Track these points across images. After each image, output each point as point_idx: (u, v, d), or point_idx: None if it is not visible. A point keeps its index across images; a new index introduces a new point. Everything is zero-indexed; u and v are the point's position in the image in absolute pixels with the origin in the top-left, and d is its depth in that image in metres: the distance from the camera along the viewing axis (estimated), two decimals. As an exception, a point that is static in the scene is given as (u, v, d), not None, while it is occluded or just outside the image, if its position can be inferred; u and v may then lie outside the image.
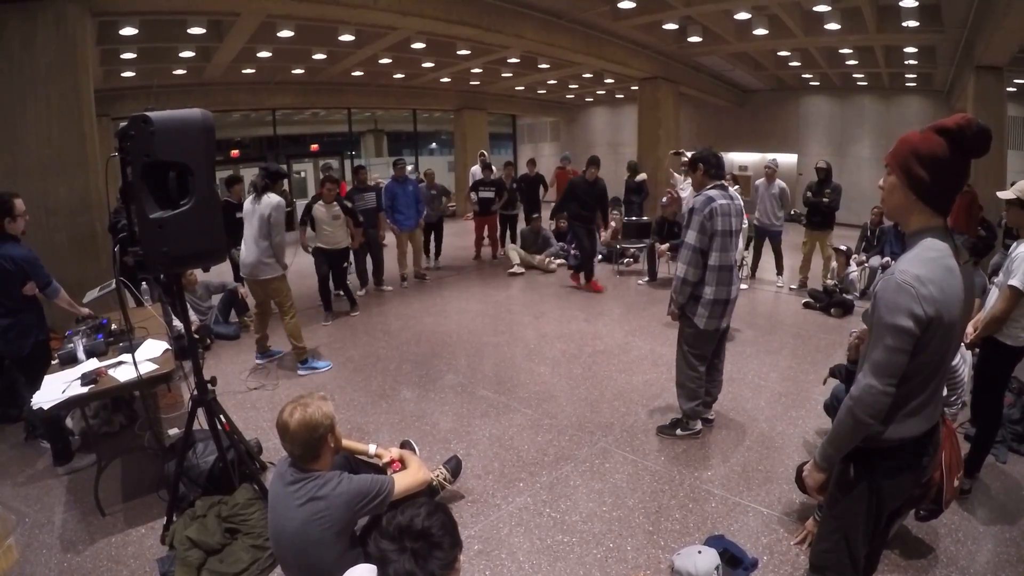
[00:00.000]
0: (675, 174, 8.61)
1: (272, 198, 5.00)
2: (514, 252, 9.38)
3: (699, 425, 4.00)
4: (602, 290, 8.01)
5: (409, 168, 8.55)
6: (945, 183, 1.61)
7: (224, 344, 6.07)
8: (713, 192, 3.64)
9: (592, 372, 5.19)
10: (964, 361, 3.30)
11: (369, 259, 8.07)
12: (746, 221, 5.38)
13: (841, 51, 11.10)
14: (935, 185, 1.61)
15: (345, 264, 7.27)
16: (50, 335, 4.11)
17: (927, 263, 1.58)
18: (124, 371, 3.24)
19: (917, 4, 7.72)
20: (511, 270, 9.08)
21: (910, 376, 1.64)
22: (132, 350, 3.11)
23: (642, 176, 9.93)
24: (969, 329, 3.10)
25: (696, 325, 3.71)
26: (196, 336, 4.14)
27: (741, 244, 4.25)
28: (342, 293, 7.31)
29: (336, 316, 7.04)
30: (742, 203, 4.02)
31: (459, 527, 1.52)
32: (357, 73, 12.93)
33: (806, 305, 7.12)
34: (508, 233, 10.41)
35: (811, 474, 1.89)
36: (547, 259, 9.42)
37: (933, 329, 1.58)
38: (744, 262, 7.88)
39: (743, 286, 5.18)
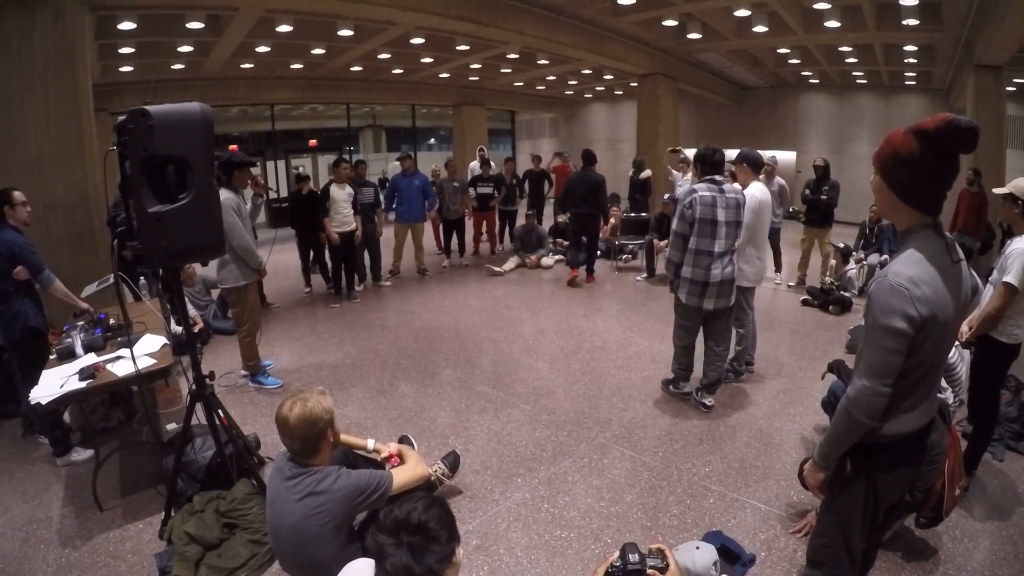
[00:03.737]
0: (673, 171, 8.61)
1: (223, 194, 3.92)
2: (511, 262, 9.21)
3: (687, 387, 4.53)
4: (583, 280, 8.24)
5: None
6: (926, 185, 1.61)
7: (222, 339, 6.06)
8: (699, 185, 4.07)
9: (590, 368, 5.19)
10: (962, 359, 3.31)
11: (367, 254, 8.08)
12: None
13: (841, 49, 11.07)
14: (915, 187, 1.61)
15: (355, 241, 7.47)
16: (49, 329, 4.11)
17: (919, 263, 1.58)
18: (122, 366, 3.24)
19: (917, 2, 7.70)
20: (496, 269, 8.95)
21: (906, 374, 1.65)
22: (130, 345, 3.11)
23: (647, 173, 9.91)
24: (964, 327, 3.11)
25: (680, 299, 4.23)
26: (195, 327, 4.14)
27: (744, 235, 4.34)
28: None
29: (339, 302, 7.41)
30: (742, 197, 4.20)
31: (457, 522, 1.52)
32: (356, 68, 12.89)
33: (804, 302, 7.12)
34: (507, 230, 10.40)
35: (811, 473, 1.91)
36: (541, 257, 9.38)
37: (928, 329, 1.58)
38: None
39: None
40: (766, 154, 7.95)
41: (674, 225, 4.12)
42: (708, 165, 4.13)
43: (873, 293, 1.64)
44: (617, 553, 1.66)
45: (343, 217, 7.05)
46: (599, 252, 9.80)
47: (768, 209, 4.62)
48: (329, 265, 7.60)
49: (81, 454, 3.78)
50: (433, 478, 3.08)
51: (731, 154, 4.81)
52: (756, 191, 4.52)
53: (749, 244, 4.52)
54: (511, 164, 10.92)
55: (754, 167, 4.64)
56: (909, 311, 1.55)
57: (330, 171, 7.21)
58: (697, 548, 2.40)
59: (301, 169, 17.20)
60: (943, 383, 2.92)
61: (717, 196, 4.01)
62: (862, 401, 1.65)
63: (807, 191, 7.64)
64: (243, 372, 4.99)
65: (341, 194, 7.01)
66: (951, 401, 3.12)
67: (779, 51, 11.85)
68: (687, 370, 4.51)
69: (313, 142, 18.39)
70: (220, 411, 3.05)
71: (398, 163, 8.46)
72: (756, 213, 4.47)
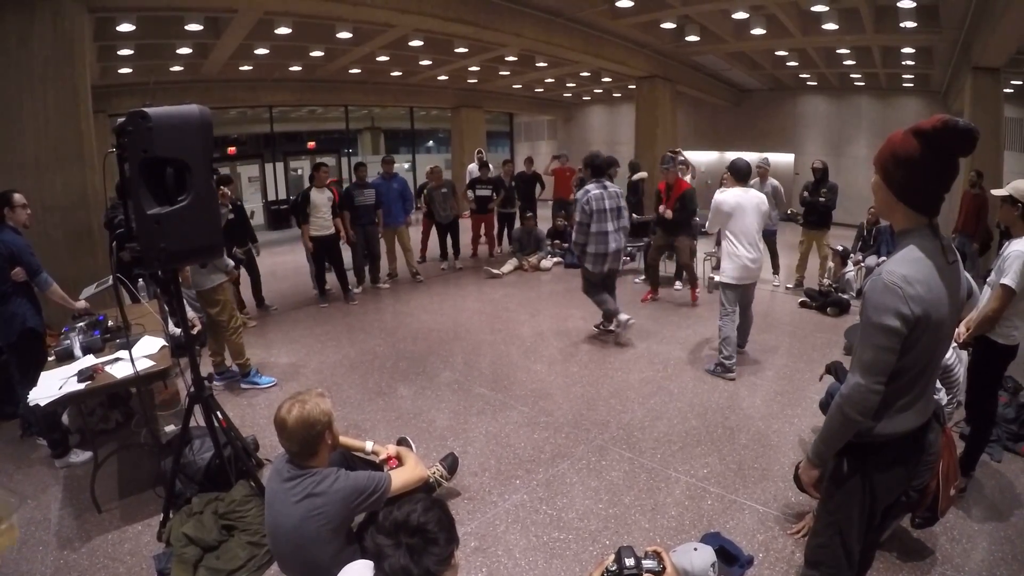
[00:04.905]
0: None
1: None
2: (509, 265, 9.23)
3: (625, 316, 5.79)
4: None
5: (406, 166, 8.55)
6: (923, 185, 1.62)
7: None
8: (590, 186, 5.56)
9: (588, 370, 5.20)
10: (960, 361, 3.31)
11: (366, 256, 8.09)
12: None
13: (838, 51, 11.11)
14: (913, 187, 1.63)
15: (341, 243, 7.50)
16: (47, 331, 4.10)
17: (914, 263, 1.60)
18: (121, 368, 3.24)
19: (915, 5, 7.73)
20: (494, 271, 8.97)
21: (900, 373, 1.66)
22: (129, 347, 3.11)
23: (640, 175, 9.92)
24: (962, 328, 3.12)
25: (587, 269, 5.68)
26: (193, 329, 4.13)
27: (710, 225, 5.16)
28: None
29: (333, 301, 7.46)
30: (617, 190, 5.73)
31: (456, 524, 1.52)
32: (355, 70, 12.90)
33: (802, 304, 7.13)
34: (506, 232, 10.40)
35: (805, 471, 1.92)
36: (540, 259, 9.40)
37: (921, 328, 1.59)
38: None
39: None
40: (761, 156, 8.00)
41: (577, 217, 5.53)
42: (596, 169, 5.66)
43: (867, 291, 1.66)
44: (612, 557, 1.65)
45: (323, 221, 7.06)
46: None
47: (742, 210, 4.85)
48: (313, 268, 7.64)
49: (79, 456, 3.78)
50: (432, 480, 3.08)
51: (730, 156, 5.36)
52: (725, 195, 4.96)
53: (725, 240, 4.96)
54: (509, 166, 10.93)
55: (736, 175, 5.02)
56: (902, 309, 1.57)
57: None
58: (695, 549, 2.41)
59: (299, 171, 17.27)
60: (937, 384, 2.93)
61: (603, 192, 5.51)
62: (855, 398, 1.66)
63: (805, 193, 7.65)
64: (216, 374, 4.98)
65: (321, 198, 7.01)
66: (945, 401, 3.13)
67: (777, 53, 11.88)
68: (607, 304, 5.85)
69: (312, 144, 18.37)
70: (219, 413, 3.05)
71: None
72: (715, 212, 4.96)
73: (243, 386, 4.90)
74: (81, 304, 4.11)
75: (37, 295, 3.91)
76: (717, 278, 5.06)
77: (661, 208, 7.09)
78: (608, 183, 5.67)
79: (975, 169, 8.09)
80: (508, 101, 18.99)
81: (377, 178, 8.26)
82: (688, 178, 8.35)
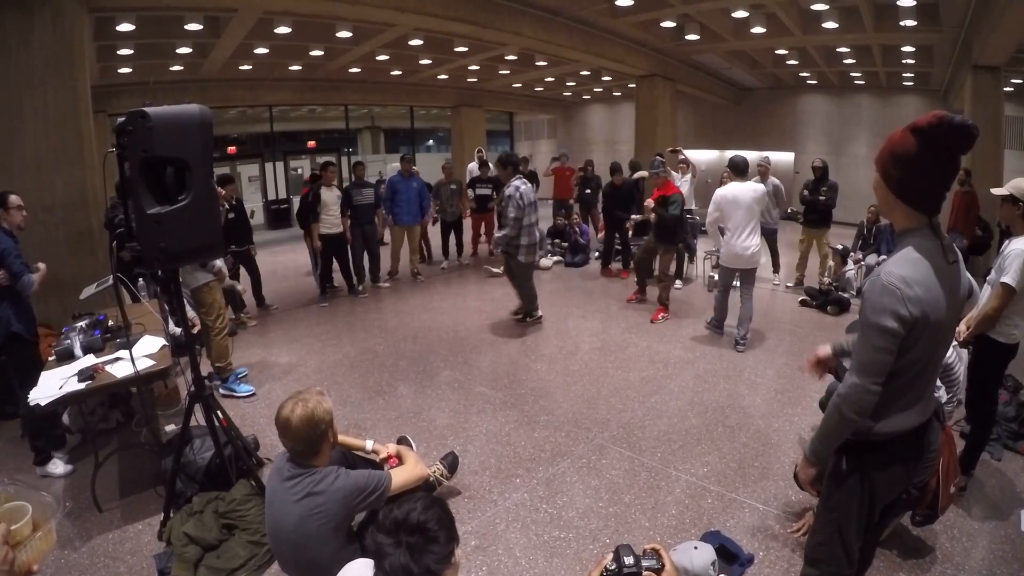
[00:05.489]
0: (672, 172, 8.60)
1: None
2: None
3: (539, 312, 6.50)
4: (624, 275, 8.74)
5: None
6: (921, 183, 1.61)
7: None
8: (517, 183, 5.93)
9: (589, 369, 5.20)
10: (960, 360, 3.31)
11: (366, 255, 8.08)
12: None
13: (838, 50, 11.10)
14: (911, 185, 1.62)
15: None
16: (37, 336, 4.06)
17: (913, 263, 1.59)
18: (121, 367, 3.24)
19: (915, 3, 7.72)
20: (494, 270, 8.93)
21: (899, 373, 1.65)
22: (129, 346, 3.11)
23: (640, 174, 9.90)
24: (962, 327, 3.12)
25: (520, 261, 6.02)
26: (193, 329, 4.13)
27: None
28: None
29: (334, 300, 7.53)
30: (530, 187, 6.12)
31: (456, 522, 1.52)
32: (354, 70, 12.89)
33: (802, 303, 7.13)
34: None
35: (802, 469, 1.92)
36: (539, 258, 9.37)
37: (919, 329, 1.59)
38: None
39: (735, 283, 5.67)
40: (761, 154, 7.99)
41: (513, 213, 5.85)
42: (516, 167, 6.16)
43: (866, 292, 1.66)
44: (611, 556, 1.65)
45: (333, 219, 7.15)
46: (596, 254, 9.83)
47: (738, 202, 5.33)
48: (319, 266, 7.67)
49: (58, 467, 3.68)
50: (432, 478, 3.08)
51: (731, 155, 5.72)
52: (723, 188, 5.53)
53: (715, 228, 5.66)
54: (508, 165, 10.89)
55: (734, 170, 5.55)
56: (900, 310, 1.56)
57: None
58: (695, 548, 2.41)
59: (299, 170, 17.25)
60: (937, 382, 2.94)
61: (528, 187, 5.97)
62: (852, 398, 1.66)
63: (805, 192, 7.65)
64: (220, 382, 4.84)
65: (331, 196, 7.12)
66: (945, 400, 3.13)
67: (777, 52, 11.86)
68: (534, 299, 6.43)
69: (312, 143, 18.38)
70: (219, 412, 3.05)
71: (398, 164, 8.49)
72: (713, 205, 5.51)
73: (221, 391, 4.70)
74: (40, 266, 3.94)
75: (27, 298, 3.83)
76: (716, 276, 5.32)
77: (647, 202, 6.87)
78: (525, 179, 6.17)
79: (964, 167, 8.08)
80: (508, 100, 18.97)
81: (396, 176, 8.29)
82: (689, 176, 8.34)
